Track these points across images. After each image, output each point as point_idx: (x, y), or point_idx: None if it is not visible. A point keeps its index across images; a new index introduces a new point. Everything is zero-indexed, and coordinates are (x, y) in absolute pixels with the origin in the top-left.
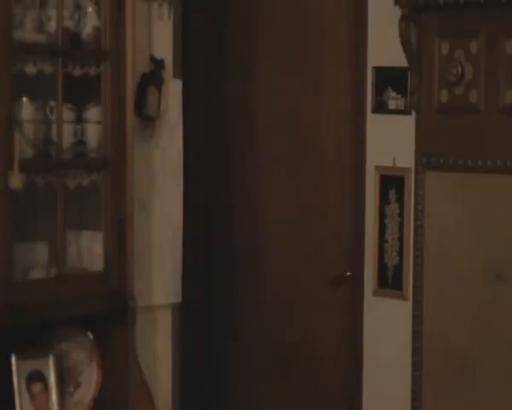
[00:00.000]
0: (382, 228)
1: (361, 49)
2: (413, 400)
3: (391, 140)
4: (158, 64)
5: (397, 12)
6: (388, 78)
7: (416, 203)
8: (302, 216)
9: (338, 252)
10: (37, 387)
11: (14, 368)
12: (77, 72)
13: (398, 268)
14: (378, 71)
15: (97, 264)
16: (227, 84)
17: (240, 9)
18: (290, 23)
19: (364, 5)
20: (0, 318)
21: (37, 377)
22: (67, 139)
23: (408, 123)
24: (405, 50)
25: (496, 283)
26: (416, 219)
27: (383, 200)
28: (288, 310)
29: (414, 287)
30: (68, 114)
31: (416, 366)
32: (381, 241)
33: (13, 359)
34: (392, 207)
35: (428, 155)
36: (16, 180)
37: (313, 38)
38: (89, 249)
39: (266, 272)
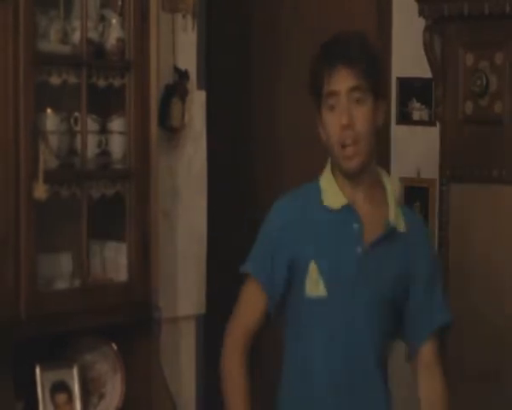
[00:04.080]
0: None
1: (385, 60)
2: None
3: (415, 151)
4: (182, 75)
5: (421, 22)
6: (412, 88)
7: (441, 215)
8: None
9: None
10: (61, 398)
11: (38, 379)
12: (101, 83)
13: None
14: (402, 82)
15: (122, 275)
16: (251, 95)
17: (264, 21)
18: (314, 33)
19: (389, 15)
20: (24, 328)
21: (61, 387)
22: (92, 150)
23: (432, 134)
24: (429, 61)
25: None
26: (440, 231)
27: None
28: None
29: None
30: (92, 124)
31: None
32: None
33: (37, 369)
34: None
35: (453, 167)
36: (40, 191)
37: None
38: (113, 260)
39: None
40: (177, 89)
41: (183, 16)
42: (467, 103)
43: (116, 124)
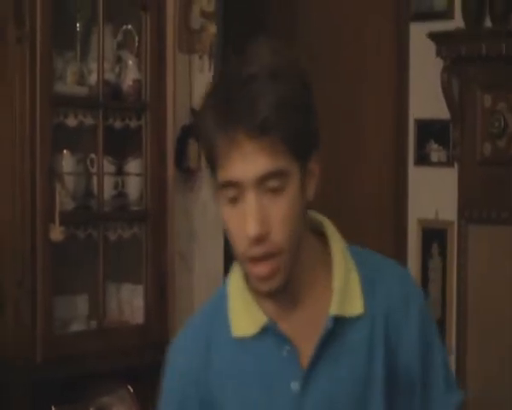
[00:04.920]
0: (425, 282)
1: (403, 101)
2: None
3: (433, 193)
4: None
5: (439, 63)
6: (430, 130)
7: (459, 257)
8: None
9: None
10: None
11: None
12: (117, 124)
13: (442, 322)
14: (420, 123)
15: (138, 317)
16: None
17: None
18: (332, 68)
19: (406, 56)
20: (40, 370)
21: None
22: (108, 192)
23: (450, 175)
24: (447, 102)
25: None
26: (458, 273)
27: (425, 253)
28: None
29: (457, 341)
30: (109, 166)
31: None
32: (424, 294)
33: None
34: (435, 261)
35: (471, 208)
36: (57, 233)
37: (355, 87)
38: (129, 302)
39: None
40: (193, 130)
41: (200, 57)
42: (485, 145)
43: (132, 165)
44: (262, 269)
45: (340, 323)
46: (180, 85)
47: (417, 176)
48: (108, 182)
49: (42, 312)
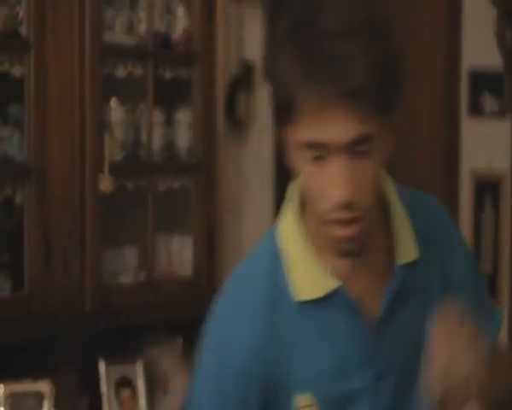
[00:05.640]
0: (478, 235)
1: (455, 51)
2: None
3: (486, 144)
4: (249, 67)
5: (492, 12)
6: (484, 80)
7: None
8: None
9: None
10: (125, 393)
11: (102, 374)
12: (167, 74)
13: (494, 276)
14: (473, 73)
15: (187, 269)
16: None
17: None
18: None
19: (459, 3)
20: (89, 322)
21: (125, 383)
22: (157, 142)
23: (504, 126)
24: (500, 51)
25: None
26: None
27: (478, 206)
28: None
29: (509, 295)
30: (158, 116)
31: None
32: (476, 248)
33: (101, 364)
34: (488, 214)
35: None
36: (106, 184)
37: (407, 39)
38: (179, 254)
39: None
40: (244, 81)
41: (252, 7)
42: None
43: (182, 116)
44: (346, 232)
45: (404, 271)
46: (231, 35)
47: (470, 127)
48: (157, 132)
49: (90, 263)
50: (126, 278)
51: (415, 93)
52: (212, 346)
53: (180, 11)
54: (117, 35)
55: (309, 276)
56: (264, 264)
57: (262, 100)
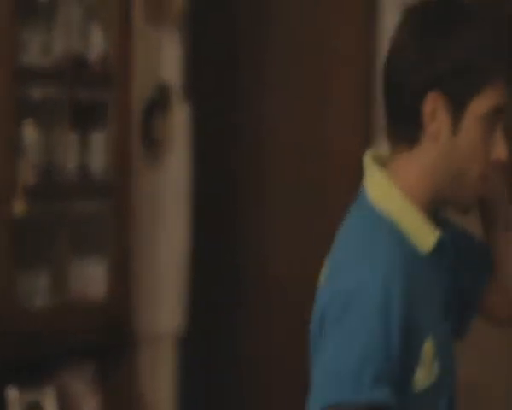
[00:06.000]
0: None
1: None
2: None
3: None
4: (165, 89)
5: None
6: None
7: None
8: (313, 248)
9: None
10: None
11: (12, 399)
12: (83, 96)
13: None
14: None
15: (101, 292)
16: (237, 111)
17: (250, 35)
18: (300, 45)
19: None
20: (1, 346)
21: (36, 408)
22: (72, 165)
23: None
24: None
25: None
26: None
27: None
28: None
29: None
30: (73, 138)
31: None
32: None
33: (11, 389)
34: None
35: None
36: (19, 207)
37: (326, 63)
38: (93, 278)
39: (276, 308)
40: (160, 103)
41: (168, 29)
42: None
43: (97, 138)
44: (484, 188)
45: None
46: (147, 57)
47: None
48: (72, 155)
49: (4, 287)
50: (39, 302)
51: (328, 119)
52: (363, 305)
53: (97, 33)
54: (33, 56)
55: (423, 231)
56: (383, 232)
57: (179, 122)
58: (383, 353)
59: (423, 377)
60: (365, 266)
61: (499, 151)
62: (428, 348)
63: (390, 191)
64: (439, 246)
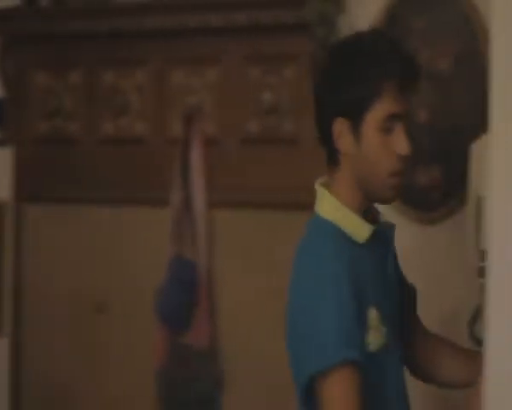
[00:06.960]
0: None
1: None
2: None
3: None
4: None
5: None
6: None
7: (18, 238)
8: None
9: None
10: None
11: None
12: None
13: None
14: None
15: None
16: None
17: None
18: None
19: None
20: None
21: None
22: None
23: (5, 155)
24: (3, 81)
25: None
26: (17, 255)
27: None
28: None
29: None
30: None
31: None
32: None
33: None
34: None
35: (31, 188)
36: None
37: None
38: None
39: None
40: None
41: None
42: (42, 123)
43: None
44: (397, 180)
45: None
46: None
47: None
48: None
49: None
50: None
51: None
52: (323, 280)
53: None
54: None
55: (359, 227)
56: (330, 231)
57: None
58: (346, 319)
59: (374, 337)
60: (319, 257)
61: (401, 147)
62: (373, 314)
63: (333, 204)
64: (374, 236)
